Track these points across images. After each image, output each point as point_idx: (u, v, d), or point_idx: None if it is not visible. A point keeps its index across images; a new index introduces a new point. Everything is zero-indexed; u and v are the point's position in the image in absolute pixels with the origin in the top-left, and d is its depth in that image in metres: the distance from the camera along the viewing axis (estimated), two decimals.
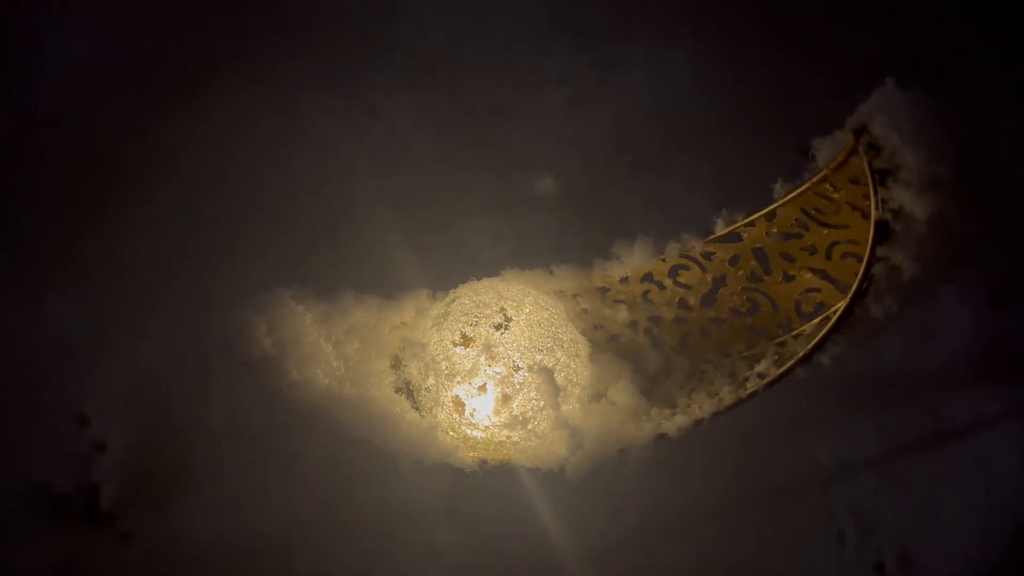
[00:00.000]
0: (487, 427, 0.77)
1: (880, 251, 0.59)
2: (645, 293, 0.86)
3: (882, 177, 0.55)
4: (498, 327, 0.77)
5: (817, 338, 0.67)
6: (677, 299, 0.86)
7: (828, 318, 0.70)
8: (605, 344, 0.88)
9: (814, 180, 0.69)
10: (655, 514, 1.54)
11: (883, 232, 0.57)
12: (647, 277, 0.86)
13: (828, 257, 0.78)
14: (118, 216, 1.67)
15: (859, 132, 0.56)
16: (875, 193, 0.57)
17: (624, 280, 0.86)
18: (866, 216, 0.71)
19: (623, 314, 0.87)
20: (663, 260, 0.84)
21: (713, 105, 1.73)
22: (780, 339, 0.83)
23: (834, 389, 1.62)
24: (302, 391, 0.68)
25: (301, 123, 1.69)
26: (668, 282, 0.85)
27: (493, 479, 0.86)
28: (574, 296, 0.87)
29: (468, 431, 0.77)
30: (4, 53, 1.85)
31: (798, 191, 0.71)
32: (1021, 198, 1.92)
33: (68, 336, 1.56)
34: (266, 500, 1.52)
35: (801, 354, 0.69)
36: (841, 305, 0.64)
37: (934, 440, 1.62)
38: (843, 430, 1.62)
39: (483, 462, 0.80)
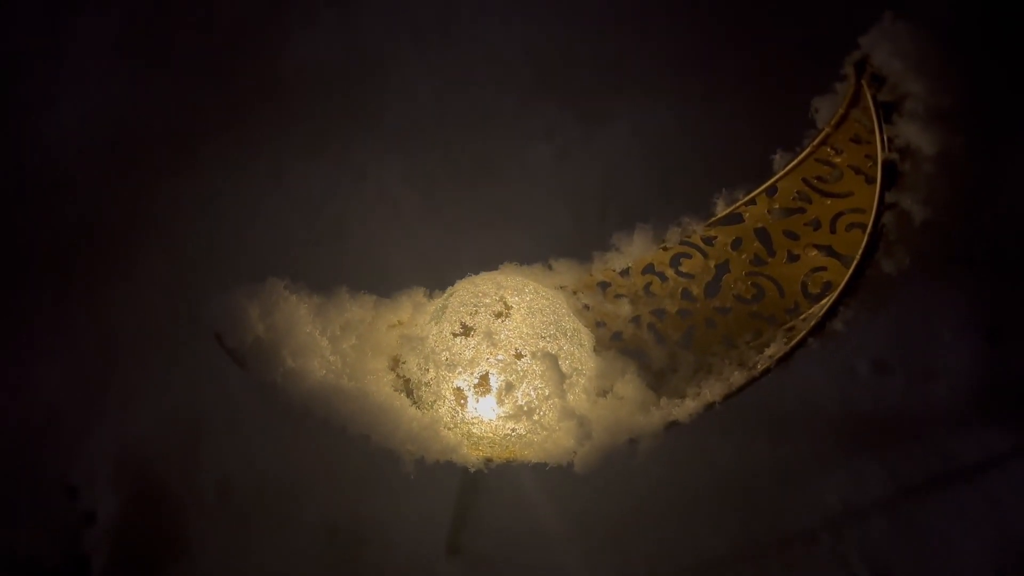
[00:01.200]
0: (491, 420, 0.74)
1: (889, 197, 0.57)
2: (647, 285, 0.85)
3: (887, 112, 0.54)
4: (498, 315, 0.74)
5: (831, 300, 0.65)
6: (680, 290, 0.84)
7: (838, 285, 0.68)
8: (608, 343, 0.86)
9: (815, 143, 0.68)
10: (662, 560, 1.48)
11: (891, 174, 0.55)
12: (648, 268, 0.84)
13: (833, 231, 0.77)
14: (107, 284, 1.69)
15: (860, 65, 0.55)
16: (880, 130, 0.55)
17: (624, 273, 0.84)
18: (870, 180, 0.70)
19: (625, 309, 0.85)
20: (664, 249, 0.82)
21: (698, 155, 1.77)
22: (788, 324, 0.81)
23: (838, 432, 1.63)
24: (297, 381, 0.65)
25: (290, 187, 1.70)
26: (670, 272, 0.83)
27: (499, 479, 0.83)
28: (574, 293, 0.85)
29: (471, 427, 0.74)
30: None
31: (799, 158, 0.70)
32: (1013, 225, 1.94)
33: (56, 406, 1.56)
34: (259, 566, 1.49)
35: (814, 322, 0.67)
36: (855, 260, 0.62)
37: (943, 480, 1.61)
38: (850, 473, 1.61)
39: (488, 460, 0.77)
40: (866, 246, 0.58)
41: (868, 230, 0.58)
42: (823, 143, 0.68)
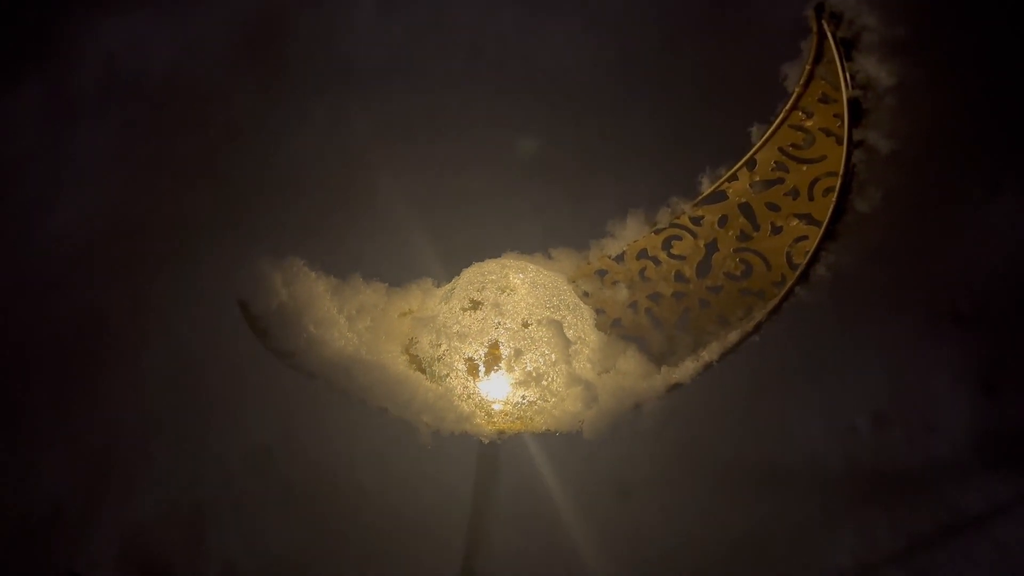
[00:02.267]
0: (503, 391, 0.78)
1: (857, 134, 0.64)
2: (642, 271, 0.90)
3: (847, 49, 0.61)
4: (503, 289, 0.79)
5: (813, 245, 0.70)
6: (673, 272, 0.89)
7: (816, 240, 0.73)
8: (609, 329, 0.90)
9: (787, 107, 0.74)
10: None
11: (857, 110, 0.61)
12: (642, 253, 0.89)
13: (811, 198, 0.83)
14: (108, 375, 1.70)
15: (819, 7, 0.62)
16: (843, 69, 0.62)
17: (619, 259, 0.90)
18: (840, 141, 0.77)
19: (623, 294, 0.89)
20: (655, 232, 0.88)
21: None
22: (776, 298, 0.86)
23: (844, 488, 1.65)
24: (319, 349, 0.69)
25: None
26: (663, 256, 0.89)
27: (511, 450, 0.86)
28: (573, 281, 0.90)
29: (483, 396, 0.78)
30: None
31: (773, 126, 0.77)
32: (1000, 282, 1.99)
33: (60, 495, 1.56)
34: None
35: (799, 271, 0.72)
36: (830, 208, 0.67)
37: (951, 530, 1.60)
38: (859, 529, 1.61)
39: (501, 432, 0.80)
40: (842, 183, 0.64)
41: (841, 170, 0.64)
42: (794, 107, 0.74)
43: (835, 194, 0.66)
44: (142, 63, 2.29)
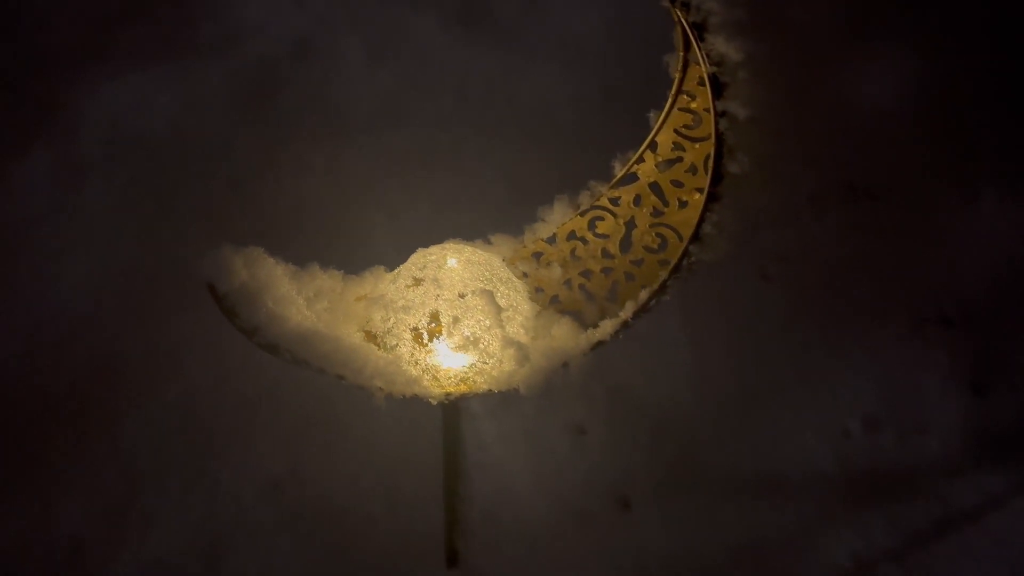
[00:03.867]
0: (445, 356, 0.90)
1: (720, 106, 0.76)
2: (572, 251, 1.02)
3: (699, 31, 0.73)
4: (441, 267, 0.92)
5: (700, 208, 0.82)
6: (600, 250, 1.01)
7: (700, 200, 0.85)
8: (548, 305, 1.02)
9: (673, 93, 0.87)
10: None
11: (716, 85, 0.74)
12: (571, 235, 1.01)
13: (706, 172, 0.95)
14: (123, 419, 1.78)
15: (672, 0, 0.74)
16: (699, 49, 0.74)
17: (551, 240, 1.02)
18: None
19: (557, 273, 1.01)
20: (581, 214, 1.00)
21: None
22: (676, 258, 0.97)
23: (839, 490, 1.72)
24: (279, 324, 0.81)
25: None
26: (590, 235, 1.01)
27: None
28: (512, 263, 1.03)
29: (429, 360, 0.90)
30: (11, 282, 2.03)
31: (665, 111, 0.89)
32: (983, 286, 2.07)
33: (80, 534, 1.63)
34: None
35: (691, 231, 0.83)
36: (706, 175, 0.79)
37: (947, 525, 1.66)
38: (856, 528, 1.67)
39: (448, 394, 0.92)
40: (715, 151, 0.76)
41: (713, 136, 0.76)
42: (679, 91, 0.87)
43: (711, 161, 0.78)
44: (144, 122, 2.44)
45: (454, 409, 0.97)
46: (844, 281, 2.17)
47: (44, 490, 1.70)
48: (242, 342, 1.97)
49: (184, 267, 2.12)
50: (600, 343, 0.90)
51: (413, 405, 1.82)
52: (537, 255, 1.02)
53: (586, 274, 1.01)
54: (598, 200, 0.97)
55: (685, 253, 0.84)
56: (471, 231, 1.94)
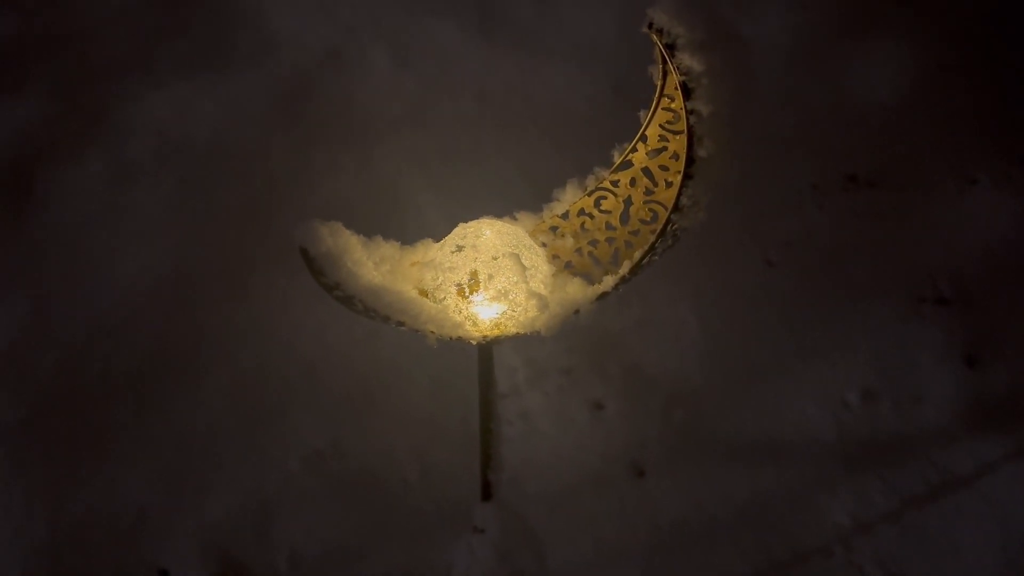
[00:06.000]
0: (482, 307, 1.13)
1: (690, 105, 0.98)
2: (582, 224, 1.24)
3: (671, 50, 0.96)
4: (479, 236, 1.15)
5: (678, 180, 1.03)
6: (604, 223, 1.23)
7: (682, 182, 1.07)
8: (563, 269, 1.25)
9: (656, 96, 1.09)
10: None
11: (686, 90, 0.96)
12: (580, 212, 1.24)
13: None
14: (178, 397, 1.94)
15: (650, 25, 0.97)
16: (672, 62, 0.97)
17: (565, 216, 1.24)
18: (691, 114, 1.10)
19: (570, 243, 1.24)
20: (588, 194, 1.22)
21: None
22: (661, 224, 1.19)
23: (838, 456, 1.83)
24: (355, 280, 1.03)
25: (331, 304, 2.08)
26: (595, 212, 1.23)
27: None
28: (534, 235, 1.25)
29: (471, 309, 1.13)
30: (71, 276, 2.19)
31: (651, 111, 1.12)
32: (975, 265, 2.18)
33: (143, 501, 1.78)
34: None
35: (673, 201, 1.05)
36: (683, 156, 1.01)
37: (942, 488, 1.74)
38: (854, 491, 1.77)
39: (484, 337, 1.15)
40: (688, 141, 0.98)
41: (686, 129, 0.98)
42: (661, 94, 1.09)
43: (685, 148, 1.00)
44: (188, 128, 2.58)
45: (488, 351, 1.19)
46: (844, 264, 2.28)
47: (109, 464, 1.84)
48: (285, 329, 2.11)
49: (228, 260, 2.27)
50: (604, 294, 1.12)
51: (441, 384, 1.97)
52: (553, 228, 1.24)
53: (593, 243, 1.23)
54: (601, 183, 1.19)
55: (668, 221, 1.05)
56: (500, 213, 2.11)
